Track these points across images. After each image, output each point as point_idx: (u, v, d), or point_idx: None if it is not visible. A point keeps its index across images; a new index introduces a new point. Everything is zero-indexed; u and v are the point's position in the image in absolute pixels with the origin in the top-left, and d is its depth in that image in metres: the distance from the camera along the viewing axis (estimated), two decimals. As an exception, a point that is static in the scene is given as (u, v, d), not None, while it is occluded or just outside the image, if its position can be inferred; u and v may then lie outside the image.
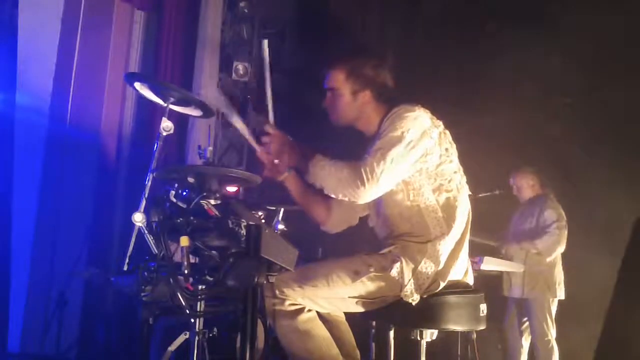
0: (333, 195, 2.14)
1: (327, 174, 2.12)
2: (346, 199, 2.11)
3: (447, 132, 2.25)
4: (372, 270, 2.11)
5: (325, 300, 2.15)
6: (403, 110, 2.16)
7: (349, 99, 2.28)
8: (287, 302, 2.13)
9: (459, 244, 2.21)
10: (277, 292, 2.12)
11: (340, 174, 2.10)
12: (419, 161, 2.14)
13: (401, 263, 2.10)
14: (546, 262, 4.31)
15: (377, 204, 2.28)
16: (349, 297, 2.15)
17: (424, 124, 2.14)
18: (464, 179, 2.27)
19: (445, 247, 2.14)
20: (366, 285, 2.12)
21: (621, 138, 4.61)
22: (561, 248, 4.28)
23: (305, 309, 2.14)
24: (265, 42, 2.29)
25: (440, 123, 2.24)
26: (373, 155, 2.09)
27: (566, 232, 4.29)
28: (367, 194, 2.09)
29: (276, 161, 2.26)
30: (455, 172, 2.21)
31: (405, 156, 2.09)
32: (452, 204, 2.18)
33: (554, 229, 4.26)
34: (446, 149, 2.19)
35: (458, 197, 2.20)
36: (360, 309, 2.19)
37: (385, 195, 2.20)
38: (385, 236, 2.30)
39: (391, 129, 2.12)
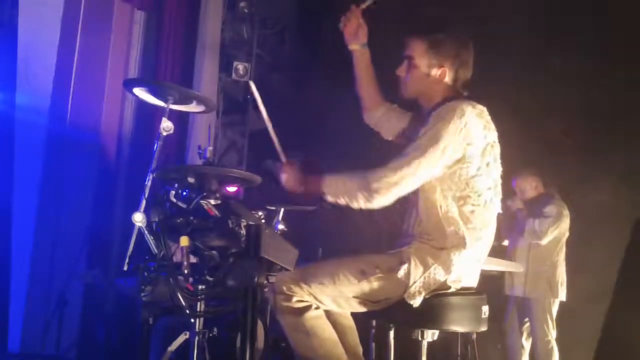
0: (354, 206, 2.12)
1: (340, 190, 2.11)
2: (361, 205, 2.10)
3: (497, 145, 2.17)
4: (378, 270, 2.10)
5: (330, 299, 2.14)
6: (452, 111, 2.07)
7: (424, 72, 2.22)
8: (295, 299, 2.11)
9: (477, 260, 2.17)
10: (284, 288, 2.11)
11: (352, 187, 2.09)
12: (453, 166, 2.08)
13: (409, 265, 2.08)
14: (549, 262, 4.30)
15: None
16: (353, 296, 2.14)
17: (470, 134, 2.06)
18: (499, 197, 2.19)
19: (460, 259, 2.10)
20: (372, 286, 2.11)
21: (621, 137, 4.61)
22: (541, 241, 4.27)
23: (313, 307, 2.13)
24: (252, 84, 2.28)
25: (494, 134, 2.16)
26: (398, 160, 2.06)
27: (557, 232, 4.28)
28: (381, 201, 2.07)
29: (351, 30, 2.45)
30: (489, 189, 2.13)
31: (434, 163, 2.05)
32: (475, 219, 2.11)
33: (547, 221, 4.26)
34: (487, 164, 2.11)
35: (484, 214, 2.13)
36: (362, 309, 2.18)
37: (422, 185, 2.16)
38: (405, 230, 2.25)
39: (432, 132, 2.05)
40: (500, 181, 2.21)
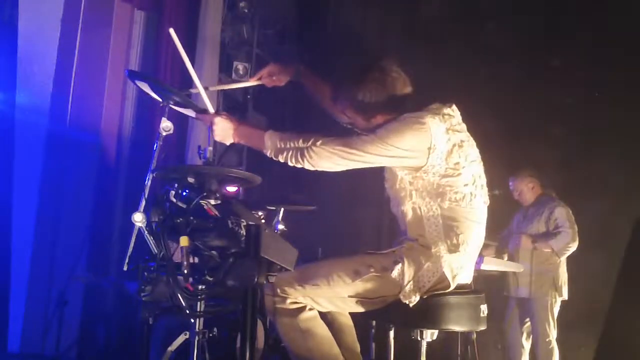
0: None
1: (284, 145, 2.11)
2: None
3: (467, 143, 2.17)
4: (372, 270, 2.10)
5: (326, 300, 2.15)
6: (411, 121, 2.08)
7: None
8: (289, 301, 2.13)
9: (469, 257, 2.17)
10: (278, 290, 2.13)
11: (297, 144, 2.09)
12: (418, 170, 2.10)
13: (403, 265, 2.09)
14: (552, 262, 4.30)
15: (392, 198, 2.27)
16: (349, 296, 2.15)
17: (430, 139, 2.06)
18: (481, 190, 2.19)
19: (450, 256, 2.11)
20: (366, 285, 2.12)
21: (622, 137, 4.61)
22: (575, 245, 4.27)
23: (307, 308, 2.14)
24: (172, 31, 2.23)
25: (460, 135, 2.15)
26: (339, 142, 2.08)
27: (577, 229, 4.29)
28: (322, 164, 2.09)
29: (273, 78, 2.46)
30: (466, 185, 2.12)
31: (386, 152, 2.06)
32: (458, 214, 2.12)
33: (567, 228, 4.26)
34: (456, 163, 2.10)
35: (466, 209, 2.13)
36: (360, 309, 2.19)
37: (393, 193, 2.20)
38: (402, 230, 2.27)
39: (394, 125, 2.08)
40: (481, 175, 2.22)
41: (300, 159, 2.09)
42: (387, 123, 2.12)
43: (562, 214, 4.30)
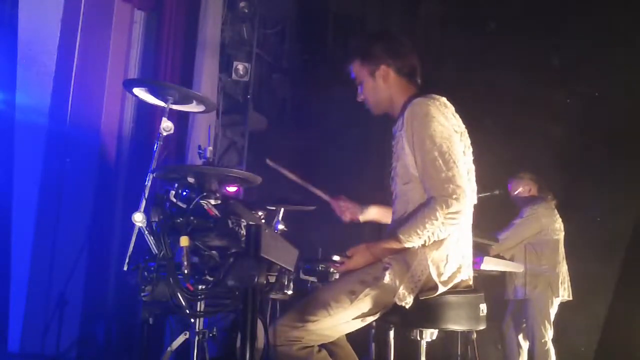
0: (442, 235, 2.10)
1: (416, 233, 2.08)
2: (451, 226, 2.09)
3: (466, 135, 2.24)
4: (366, 285, 2.09)
5: (331, 330, 2.12)
6: (422, 106, 2.14)
7: (370, 82, 2.31)
8: (295, 347, 2.07)
9: (455, 246, 2.17)
10: (283, 339, 2.08)
11: (421, 219, 2.07)
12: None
13: (392, 268, 2.09)
14: (545, 262, 4.29)
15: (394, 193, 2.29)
16: (353, 318, 2.13)
17: (447, 120, 2.14)
18: (471, 184, 2.22)
19: (438, 252, 2.11)
20: (366, 302, 2.10)
21: (622, 137, 4.62)
22: (513, 240, 4.28)
23: (315, 350, 2.10)
24: (269, 161, 2.36)
25: (461, 124, 2.22)
26: (434, 167, 2.07)
27: (529, 227, 4.28)
28: (461, 204, 2.07)
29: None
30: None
31: (456, 142, 2.11)
32: None
33: (518, 222, 4.27)
34: (463, 152, 2.17)
35: None
36: (366, 322, 2.18)
37: (405, 189, 2.21)
38: (390, 228, 2.29)
39: (424, 133, 2.10)
40: (470, 172, 2.24)
41: (447, 218, 2.06)
42: (413, 135, 2.13)
43: (526, 212, 4.31)
